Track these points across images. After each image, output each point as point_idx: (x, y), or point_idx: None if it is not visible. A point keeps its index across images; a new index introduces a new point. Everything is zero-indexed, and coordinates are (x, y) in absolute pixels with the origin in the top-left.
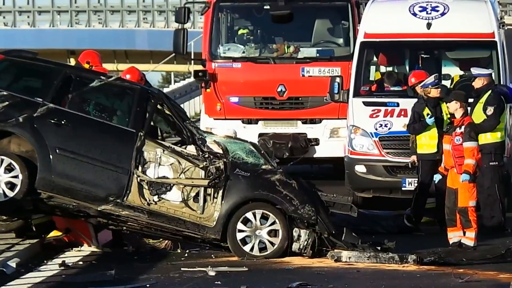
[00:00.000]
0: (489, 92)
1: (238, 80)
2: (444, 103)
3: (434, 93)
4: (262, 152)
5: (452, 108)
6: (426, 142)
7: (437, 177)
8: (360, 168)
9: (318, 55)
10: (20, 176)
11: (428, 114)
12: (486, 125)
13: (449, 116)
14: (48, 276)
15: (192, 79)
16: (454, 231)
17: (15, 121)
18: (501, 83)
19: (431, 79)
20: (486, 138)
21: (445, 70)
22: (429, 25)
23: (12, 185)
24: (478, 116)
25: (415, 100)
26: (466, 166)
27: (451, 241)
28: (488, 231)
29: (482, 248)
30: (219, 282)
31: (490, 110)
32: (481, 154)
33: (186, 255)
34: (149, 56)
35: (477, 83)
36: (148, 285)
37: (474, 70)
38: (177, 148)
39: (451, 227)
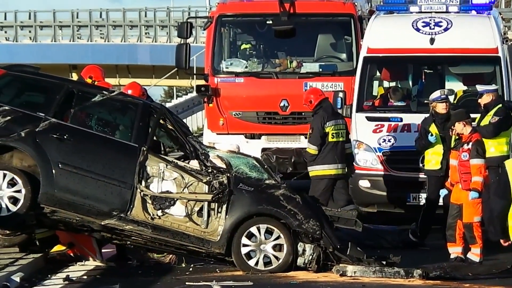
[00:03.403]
0: (499, 105)
1: (240, 95)
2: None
3: (440, 108)
4: (265, 167)
5: (459, 129)
6: (431, 158)
7: (443, 192)
8: (364, 183)
9: (321, 70)
10: (23, 191)
11: (429, 132)
12: (484, 130)
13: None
14: None
15: (194, 94)
16: (453, 246)
17: (17, 136)
18: (505, 98)
19: (436, 93)
20: (490, 152)
21: (448, 85)
22: (432, 40)
23: (15, 200)
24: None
25: (419, 115)
26: (475, 184)
27: (451, 256)
28: (493, 246)
29: (488, 263)
30: None
31: (495, 119)
32: (488, 168)
33: (190, 269)
34: (151, 71)
35: (485, 99)
36: None
37: (480, 87)
38: (180, 163)
39: (450, 242)
